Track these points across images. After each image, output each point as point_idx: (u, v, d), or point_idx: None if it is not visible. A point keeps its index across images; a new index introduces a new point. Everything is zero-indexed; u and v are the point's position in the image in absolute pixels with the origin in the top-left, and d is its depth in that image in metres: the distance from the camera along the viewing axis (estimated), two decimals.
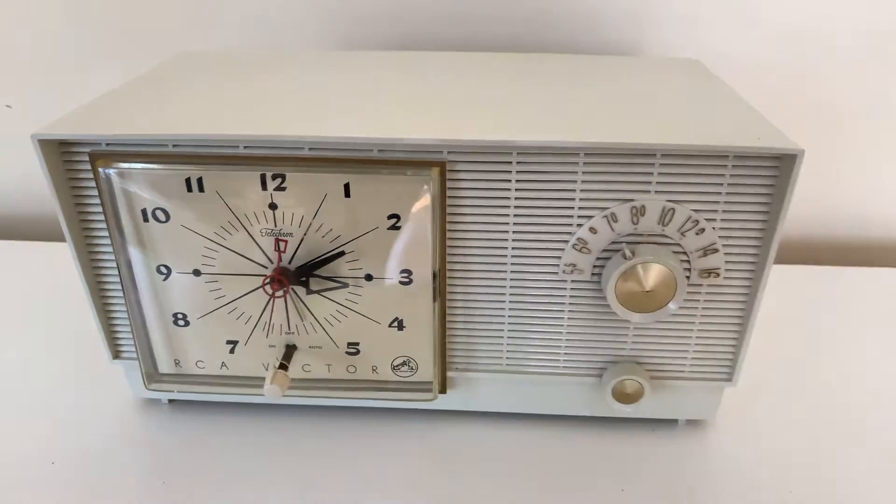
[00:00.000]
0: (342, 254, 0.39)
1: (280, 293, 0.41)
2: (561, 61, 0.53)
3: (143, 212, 0.39)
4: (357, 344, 0.43)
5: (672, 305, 0.38)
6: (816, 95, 0.64)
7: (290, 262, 0.40)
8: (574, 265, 0.39)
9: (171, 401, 0.48)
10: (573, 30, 0.62)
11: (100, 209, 0.39)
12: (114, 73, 0.47)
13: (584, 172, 0.37)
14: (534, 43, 0.63)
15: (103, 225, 0.40)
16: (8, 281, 0.65)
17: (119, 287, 0.42)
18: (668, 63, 0.53)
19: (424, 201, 0.38)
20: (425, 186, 0.37)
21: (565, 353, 0.43)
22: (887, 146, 0.66)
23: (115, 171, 0.38)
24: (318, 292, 0.41)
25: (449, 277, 0.41)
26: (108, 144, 0.38)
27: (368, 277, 0.40)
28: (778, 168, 0.36)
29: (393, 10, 0.63)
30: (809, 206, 0.69)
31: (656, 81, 0.48)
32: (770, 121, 0.38)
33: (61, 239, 0.67)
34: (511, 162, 0.37)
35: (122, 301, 0.42)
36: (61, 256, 0.65)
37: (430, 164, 0.37)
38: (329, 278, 0.40)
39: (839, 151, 0.67)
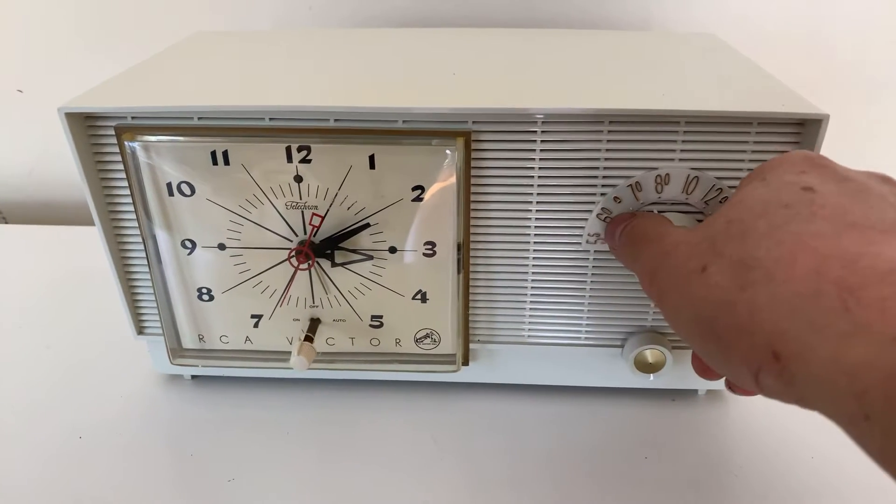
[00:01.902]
0: (367, 226, 0.40)
1: (305, 266, 0.41)
2: (579, 35, 0.53)
3: (168, 185, 0.39)
4: (381, 317, 0.43)
5: None
6: (832, 64, 0.64)
7: (314, 235, 0.40)
8: (598, 234, 0.40)
9: (193, 376, 0.49)
10: (584, 6, 0.63)
11: (125, 184, 0.39)
12: (122, 58, 0.47)
13: (608, 140, 0.37)
14: (547, 20, 0.63)
15: (128, 200, 0.40)
16: (25, 264, 0.66)
17: (144, 262, 0.42)
18: (685, 36, 0.53)
19: (449, 172, 0.38)
20: (450, 157, 0.37)
21: (587, 324, 0.43)
22: None
23: (141, 144, 0.38)
24: (342, 265, 0.41)
25: (472, 249, 0.41)
26: (133, 118, 0.38)
27: (392, 250, 0.40)
28: (801, 134, 0.36)
29: None
30: None
31: (675, 52, 0.48)
32: (791, 87, 0.39)
33: (75, 223, 0.68)
34: (535, 131, 0.37)
35: (147, 276, 0.42)
36: (76, 239, 0.66)
37: (455, 134, 0.37)
38: (353, 251, 0.41)
39: (863, 118, 0.67)
